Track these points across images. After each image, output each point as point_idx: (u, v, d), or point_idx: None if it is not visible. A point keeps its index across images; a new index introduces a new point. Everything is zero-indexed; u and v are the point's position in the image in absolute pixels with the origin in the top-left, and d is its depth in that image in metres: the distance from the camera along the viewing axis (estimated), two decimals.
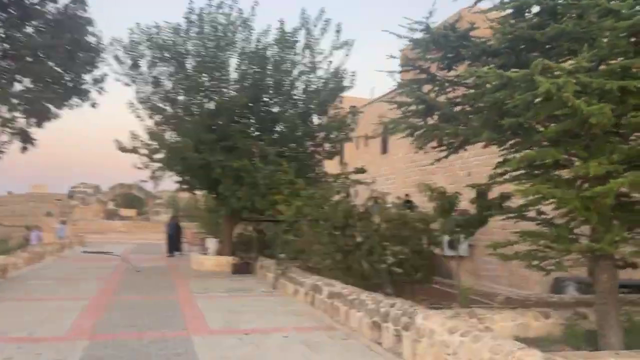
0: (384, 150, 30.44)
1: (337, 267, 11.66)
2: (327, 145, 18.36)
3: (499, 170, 6.56)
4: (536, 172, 6.24)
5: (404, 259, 12.41)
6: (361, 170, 18.26)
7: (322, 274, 11.96)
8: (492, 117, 5.83)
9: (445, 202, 7.84)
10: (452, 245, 21.57)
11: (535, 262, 5.92)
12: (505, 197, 7.73)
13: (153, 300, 11.11)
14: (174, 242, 24.09)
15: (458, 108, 6.77)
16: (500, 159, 7.40)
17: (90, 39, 13.26)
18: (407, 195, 24.51)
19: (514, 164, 5.55)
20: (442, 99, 6.81)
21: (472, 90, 6.36)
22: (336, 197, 14.15)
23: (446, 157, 7.86)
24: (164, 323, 8.73)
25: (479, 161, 21.48)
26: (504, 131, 5.82)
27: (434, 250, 13.25)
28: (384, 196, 13.64)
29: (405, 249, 12.36)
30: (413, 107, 7.07)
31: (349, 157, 21.23)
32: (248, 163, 14.48)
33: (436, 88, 7.04)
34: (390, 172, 28.48)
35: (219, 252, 17.96)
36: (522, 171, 6.47)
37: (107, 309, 9.82)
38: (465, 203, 12.01)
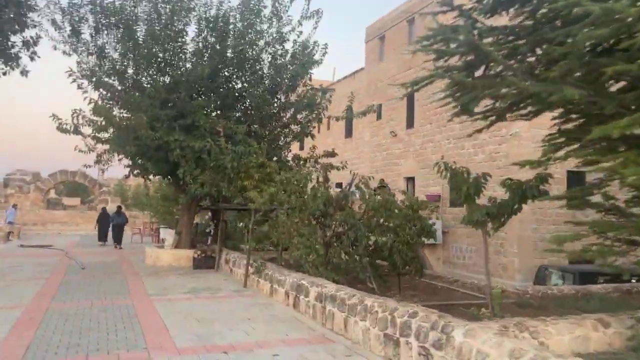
0: (349, 134, 29.13)
1: (320, 262, 10.15)
2: (293, 127, 16.73)
3: (559, 141, 5.18)
4: (603, 145, 4.90)
5: (393, 251, 11.05)
6: (331, 154, 16.81)
7: (301, 270, 10.43)
8: (576, 68, 4.41)
9: (471, 185, 6.43)
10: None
11: (611, 260, 4.60)
12: (543, 178, 6.38)
13: (102, 306, 9.25)
14: (120, 233, 22.29)
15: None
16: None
17: None
18: (382, 180, 23.27)
19: (617, 129, 4.10)
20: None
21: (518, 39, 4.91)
22: (312, 183, 12.65)
23: (488, 126, 6.42)
24: (116, 340, 6.97)
25: (452, 144, 20.51)
26: (595, 88, 4.39)
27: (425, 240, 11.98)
28: (366, 180, 12.17)
29: (396, 240, 11.00)
30: (450, 60, 5.54)
31: (310, 141, 19.80)
32: (212, 143, 12.63)
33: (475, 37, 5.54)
34: (355, 156, 27.22)
35: (177, 245, 16.06)
36: (576, 145, 5.13)
37: (45, 322, 7.91)
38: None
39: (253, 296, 10.54)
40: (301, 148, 25.56)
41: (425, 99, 21.54)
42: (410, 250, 11.44)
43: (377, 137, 25.43)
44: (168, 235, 16.71)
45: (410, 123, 22.64)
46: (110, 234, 22.87)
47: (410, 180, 22.54)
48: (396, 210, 11.53)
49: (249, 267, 11.43)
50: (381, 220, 11.60)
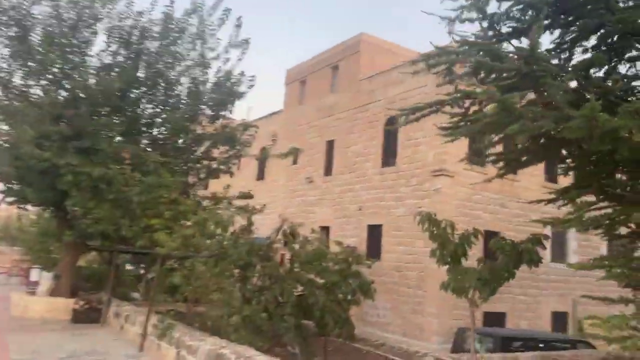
0: (261, 176, 27.53)
1: (244, 324, 8.38)
2: (205, 162, 14.93)
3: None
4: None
5: (325, 311, 9.58)
6: (248, 195, 15.18)
7: (217, 332, 8.56)
8: None
9: (458, 244, 5.24)
10: None
11: None
12: (538, 240, 5.33)
13: None
14: None
15: None
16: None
17: None
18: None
19: None
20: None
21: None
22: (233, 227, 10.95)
23: (504, 174, 5.28)
24: None
25: (370, 195, 19.73)
26: None
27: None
28: (295, 228, 10.72)
29: (329, 298, 9.56)
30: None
31: (218, 181, 17.81)
32: (117, 172, 10.47)
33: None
34: (267, 200, 25.61)
35: (53, 292, 13.23)
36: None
37: None
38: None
39: None
40: (205, 187, 23.50)
41: (345, 147, 20.86)
42: (343, 310, 10.06)
43: (292, 182, 24.19)
44: (43, 278, 13.82)
45: (328, 170, 21.70)
46: None
47: (325, 229, 21.32)
48: (331, 264, 10.17)
49: (150, 327, 9.25)
50: (312, 275, 10.15)
